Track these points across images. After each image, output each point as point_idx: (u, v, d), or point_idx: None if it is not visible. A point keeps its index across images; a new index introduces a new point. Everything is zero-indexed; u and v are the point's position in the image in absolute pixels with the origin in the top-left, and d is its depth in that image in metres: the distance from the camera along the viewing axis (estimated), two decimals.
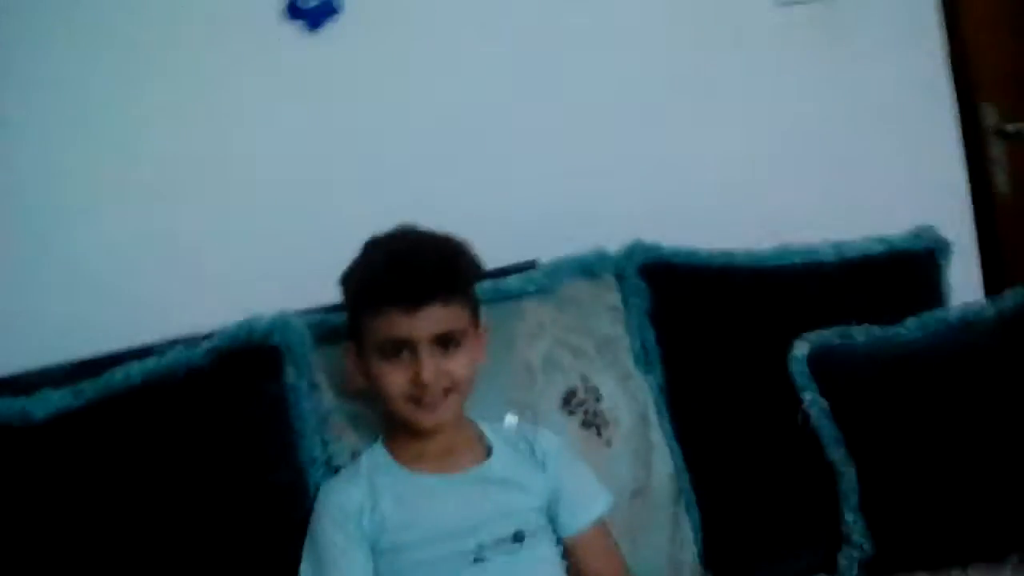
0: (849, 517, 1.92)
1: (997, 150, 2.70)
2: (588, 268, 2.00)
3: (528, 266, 2.04)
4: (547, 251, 2.07)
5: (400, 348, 1.53)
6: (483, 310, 1.72)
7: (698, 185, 2.37)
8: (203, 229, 1.99)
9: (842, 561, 1.91)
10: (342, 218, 1.93)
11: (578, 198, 2.26)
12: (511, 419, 1.71)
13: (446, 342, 1.55)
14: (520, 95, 2.24)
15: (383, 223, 1.66)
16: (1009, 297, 2.06)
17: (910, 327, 2.00)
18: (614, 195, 2.29)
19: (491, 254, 1.93)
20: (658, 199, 2.31)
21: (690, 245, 2.09)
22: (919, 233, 2.21)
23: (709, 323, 2.04)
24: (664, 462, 1.91)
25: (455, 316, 1.56)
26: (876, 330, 1.99)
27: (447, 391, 1.55)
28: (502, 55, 2.23)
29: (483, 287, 1.81)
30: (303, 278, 1.80)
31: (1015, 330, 2.00)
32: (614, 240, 2.08)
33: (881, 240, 2.16)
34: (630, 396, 1.91)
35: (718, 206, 2.34)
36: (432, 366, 1.52)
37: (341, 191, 2.08)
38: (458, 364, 1.56)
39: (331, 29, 2.09)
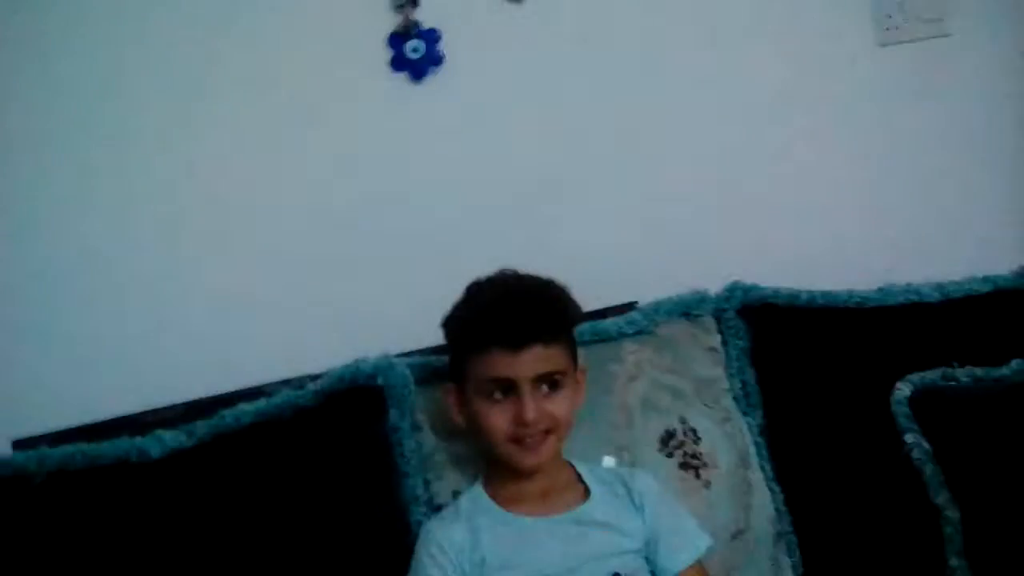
0: (954, 562, 1.88)
1: None
2: (687, 309, 2.01)
3: (628, 307, 2.07)
4: (647, 293, 2.09)
5: (503, 388, 1.57)
6: (582, 351, 1.74)
7: (801, 227, 2.37)
8: (310, 274, 2.06)
9: None
10: (445, 263, 1.97)
11: (679, 239, 2.29)
12: (609, 461, 1.73)
13: (548, 382, 1.58)
14: (619, 141, 2.27)
15: (484, 268, 1.70)
16: None
17: (1015, 367, 1.96)
18: (713, 237, 2.31)
19: (591, 295, 1.99)
20: (759, 240, 2.33)
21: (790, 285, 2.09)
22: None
23: (810, 364, 2.04)
24: (764, 504, 1.91)
25: (556, 357, 1.59)
26: (979, 371, 1.95)
27: (547, 432, 1.58)
28: (601, 101, 2.26)
29: (582, 328, 1.85)
30: (407, 321, 1.84)
31: None
32: (712, 283, 2.09)
33: (985, 279, 2.13)
34: (729, 437, 1.91)
35: (822, 247, 2.35)
36: (534, 406, 1.55)
37: (444, 237, 2.13)
38: (558, 405, 1.59)
39: (434, 80, 2.15)
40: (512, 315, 1.56)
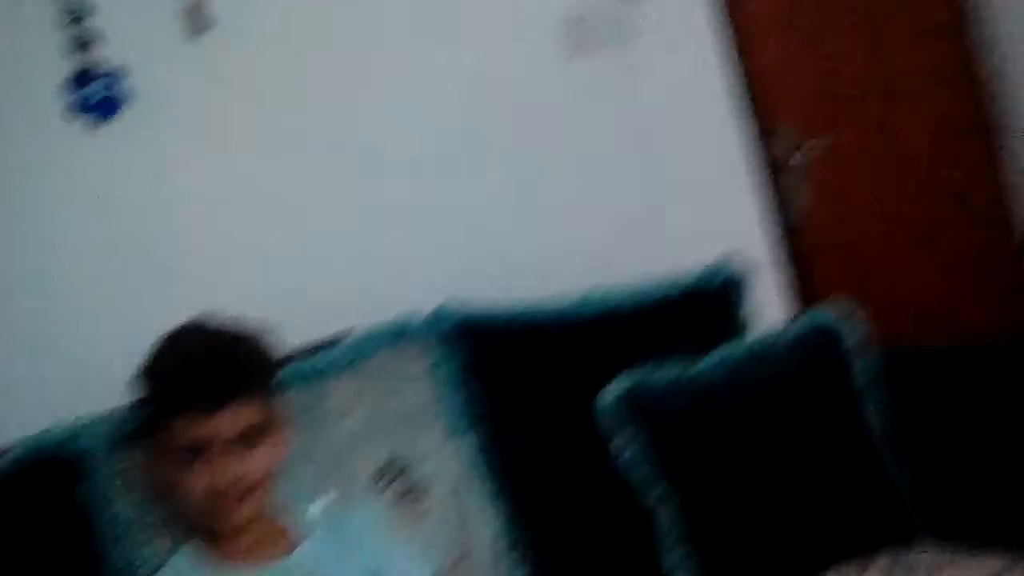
0: (675, 553, 1.97)
1: (796, 166, 2.82)
2: (394, 337, 2.01)
3: (343, 336, 2.04)
4: (366, 317, 2.07)
5: (200, 450, 1.51)
6: (292, 391, 1.73)
7: (506, 237, 2.43)
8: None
9: None
10: (140, 313, 1.90)
11: (388, 262, 2.29)
12: (315, 509, 1.69)
13: (248, 438, 1.54)
14: (315, 167, 2.26)
15: (181, 312, 1.63)
16: (801, 320, 2.15)
17: (710, 363, 2.07)
18: (424, 256, 2.32)
19: (307, 327, 1.98)
20: (470, 254, 2.36)
21: (507, 298, 2.13)
22: (716, 268, 2.28)
23: (520, 378, 2.08)
24: (485, 525, 1.93)
25: (254, 412, 1.54)
26: (677, 369, 2.05)
27: (248, 491, 1.54)
28: (291, 130, 2.24)
29: (288, 371, 1.81)
30: (94, 380, 1.76)
31: (808, 353, 2.10)
32: (428, 301, 2.10)
33: (675, 282, 2.22)
34: (444, 463, 1.92)
35: (529, 257, 2.40)
36: (235, 467, 1.51)
37: (140, 281, 2.07)
38: (259, 462, 1.54)
39: (122, 121, 2.07)
40: (202, 377, 1.51)
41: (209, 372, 1.52)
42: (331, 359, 1.93)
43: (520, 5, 2.49)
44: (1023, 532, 1.92)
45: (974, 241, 3.11)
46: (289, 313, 1.84)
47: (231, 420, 1.51)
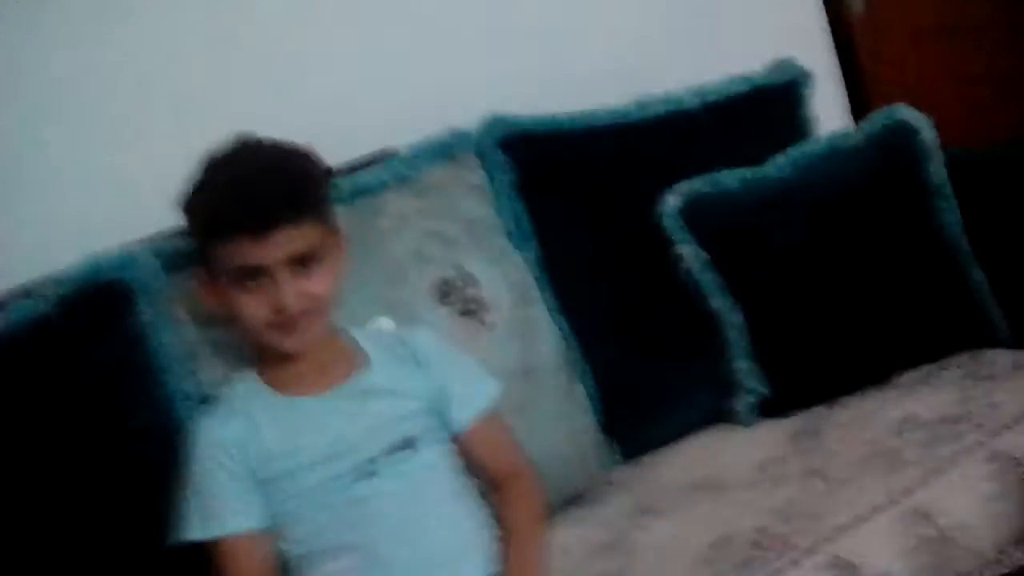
0: (741, 364, 1.92)
1: None
2: (447, 150, 1.91)
3: (388, 154, 1.95)
4: (406, 136, 1.97)
5: (255, 275, 1.44)
6: (342, 211, 1.63)
7: (550, 50, 2.28)
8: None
9: (739, 407, 1.92)
10: (181, 127, 1.81)
11: (430, 75, 2.17)
12: (384, 322, 1.64)
13: (303, 262, 1.46)
14: None
15: (225, 128, 1.53)
16: (873, 119, 2.04)
17: (779, 165, 1.98)
18: (466, 69, 2.19)
19: (348, 145, 1.88)
20: (512, 68, 2.22)
21: (551, 112, 2.01)
22: (778, 67, 2.18)
23: (579, 189, 1.99)
24: (550, 337, 1.87)
25: (308, 234, 1.46)
26: (745, 173, 1.96)
27: (309, 313, 1.48)
28: None
29: (339, 186, 1.73)
30: (145, 202, 1.67)
31: (882, 151, 1.99)
32: (472, 118, 1.99)
33: (742, 79, 2.12)
34: (507, 276, 1.85)
35: (575, 68, 2.27)
36: (290, 290, 1.44)
37: (178, 99, 1.94)
38: (318, 283, 1.47)
39: None
40: (253, 198, 1.42)
41: (257, 194, 1.43)
42: (383, 174, 1.84)
43: None
44: None
45: None
46: (331, 130, 1.73)
47: (285, 242, 1.43)
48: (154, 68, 1.94)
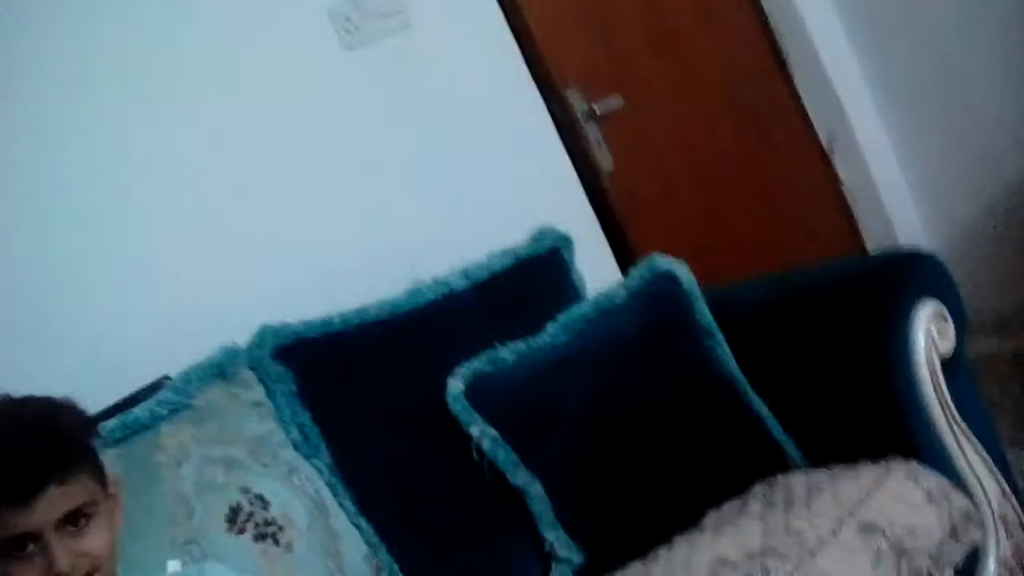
0: (550, 535, 1.90)
1: (592, 132, 2.79)
2: (219, 369, 1.86)
3: (160, 383, 1.89)
4: (181, 361, 1.92)
5: (23, 544, 1.34)
6: (116, 453, 1.60)
7: (322, 247, 2.28)
8: None
9: None
10: None
11: (201, 294, 2.12)
12: (174, 565, 1.55)
13: (74, 520, 1.37)
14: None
15: None
16: (633, 274, 2.11)
17: (552, 332, 2.01)
18: (235, 285, 2.16)
19: (119, 380, 1.82)
20: (285, 275, 2.21)
21: (328, 310, 2.01)
22: (539, 235, 2.23)
23: (363, 386, 1.97)
24: (354, 545, 1.82)
25: (76, 491, 1.38)
26: (521, 345, 1.98)
27: (92, 574, 1.38)
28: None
29: (110, 426, 1.68)
30: None
31: (647, 303, 2.06)
32: (245, 334, 1.96)
33: (504, 253, 2.16)
34: (299, 491, 1.80)
35: (350, 262, 2.27)
36: (65, 554, 1.34)
37: None
38: (95, 540, 1.38)
39: None
40: (12, 463, 1.35)
41: (17, 456, 1.35)
42: (154, 406, 1.77)
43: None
44: (886, 447, 1.91)
45: (783, 170, 3.14)
46: (98, 368, 1.70)
47: (52, 503, 1.34)
48: None
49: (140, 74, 2.14)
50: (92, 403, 1.55)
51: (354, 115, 2.38)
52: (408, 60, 2.49)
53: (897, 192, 3.21)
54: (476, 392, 1.92)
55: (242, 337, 1.96)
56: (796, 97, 3.22)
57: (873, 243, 3.21)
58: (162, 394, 1.82)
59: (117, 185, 2.09)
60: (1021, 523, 1.93)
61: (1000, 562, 1.85)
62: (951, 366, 1.90)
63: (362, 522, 1.86)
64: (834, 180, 3.23)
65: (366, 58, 2.43)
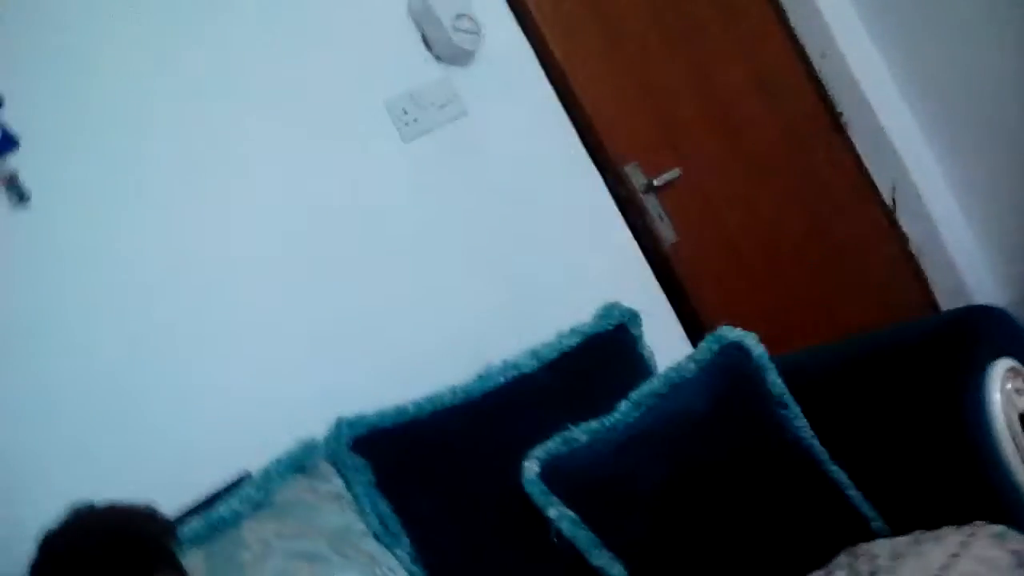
0: None
1: (652, 205, 2.80)
2: (298, 463, 1.90)
3: (241, 480, 1.92)
4: (260, 457, 1.95)
5: None
6: (199, 553, 1.64)
7: (391, 337, 2.30)
8: None
9: None
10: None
11: (278, 390, 2.16)
12: None
13: None
14: (175, 324, 2.11)
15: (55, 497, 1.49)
16: (703, 347, 2.11)
17: (624, 410, 2.02)
18: (312, 376, 2.18)
19: (200, 478, 1.85)
20: (357, 366, 2.22)
21: (402, 399, 2.03)
22: (605, 312, 2.24)
23: (439, 473, 1.99)
24: None
25: None
26: (593, 424, 1.99)
27: None
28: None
29: (194, 526, 1.70)
30: None
31: (717, 376, 2.06)
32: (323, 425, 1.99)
33: (572, 332, 2.18)
34: None
35: (419, 349, 2.29)
36: None
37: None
38: None
39: None
40: (98, 572, 1.38)
41: (102, 565, 1.39)
42: (237, 504, 1.80)
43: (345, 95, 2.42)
44: (969, 508, 1.88)
45: (847, 228, 3.13)
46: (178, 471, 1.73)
47: None
48: None
49: (203, 179, 2.20)
50: (175, 504, 1.60)
51: (416, 205, 2.43)
52: (466, 147, 2.54)
53: (964, 245, 3.18)
54: (551, 474, 1.93)
55: (318, 430, 2.00)
56: (855, 155, 3.21)
57: (942, 298, 3.17)
58: (243, 491, 1.85)
59: (194, 288, 2.13)
60: None
61: None
62: None
63: None
64: (899, 236, 3.20)
65: (425, 148, 2.47)
